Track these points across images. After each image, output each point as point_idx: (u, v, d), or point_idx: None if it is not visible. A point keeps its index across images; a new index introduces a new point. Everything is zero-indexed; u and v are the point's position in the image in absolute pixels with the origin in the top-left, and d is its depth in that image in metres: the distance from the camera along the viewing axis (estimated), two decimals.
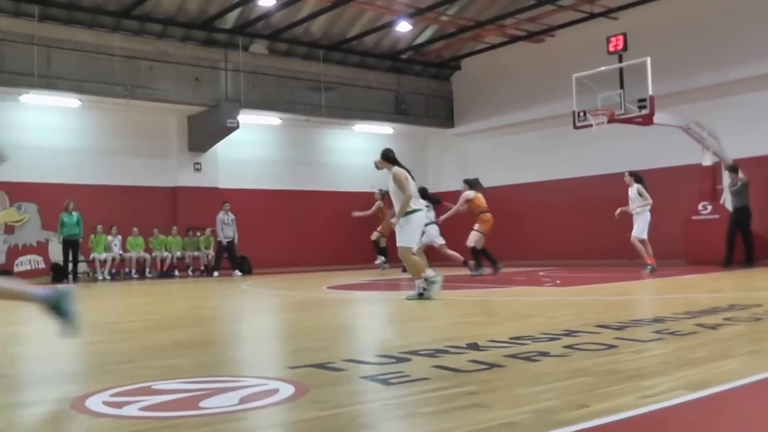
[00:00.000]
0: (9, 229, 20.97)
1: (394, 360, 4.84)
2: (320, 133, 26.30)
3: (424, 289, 9.87)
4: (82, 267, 20.87)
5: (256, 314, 10.10)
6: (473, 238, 16.13)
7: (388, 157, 10.03)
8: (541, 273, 17.26)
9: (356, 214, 21.44)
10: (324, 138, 26.53)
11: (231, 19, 22.57)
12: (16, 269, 20.73)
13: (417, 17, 23.13)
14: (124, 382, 4.35)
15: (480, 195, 16.40)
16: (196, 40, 22.93)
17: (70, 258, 19.88)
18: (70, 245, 19.83)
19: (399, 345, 5.82)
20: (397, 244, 9.98)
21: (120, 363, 5.32)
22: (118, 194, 21.85)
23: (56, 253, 20.75)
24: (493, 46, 25.93)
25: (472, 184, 16.58)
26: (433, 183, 27.42)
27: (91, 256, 20.86)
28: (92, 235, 20.73)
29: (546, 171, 24.86)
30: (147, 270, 21.70)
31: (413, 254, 10.11)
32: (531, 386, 3.93)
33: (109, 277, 20.63)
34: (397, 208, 9.92)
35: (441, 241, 15.90)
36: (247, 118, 22.89)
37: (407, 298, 10.03)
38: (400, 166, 9.97)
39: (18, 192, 20.90)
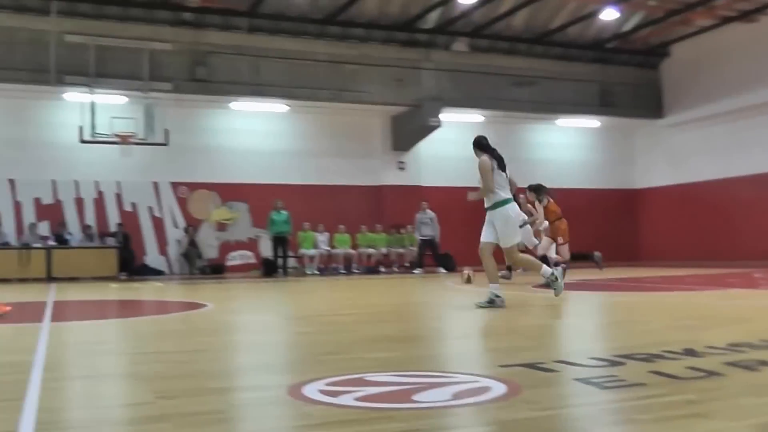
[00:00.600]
0: (221, 226, 22.24)
1: (607, 363, 4.67)
2: (523, 129, 25.99)
3: (497, 296, 9.03)
4: (291, 262, 21.71)
5: (462, 311, 10.07)
6: (545, 245, 15.33)
7: (480, 145, 9.39)
8: (757, 275, 16.23)
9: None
10: (527, 134, 26.19)
11: (432, 18, 22.76)
12: (228, 263, 21.94)
13: (624, 3, 22.38)
14: (338, 372, 4.45)
15: (552, 201, 15.46)
16: (398, 41, 23.30)
17: (280, 253, 20.74)
18: (280, 242, 20.69)
19: (611, 347, 5.65)
20: (502, 246, 9.27)
21: (333, 354, 5.47)
22: (324, 193, 22.56)
23: (266, 249, 21.73)
24: (703, 30, 24.65)
25: (538, 190, 15.46)
26: (641, 178, 26.49)
27: (300, 252, 21.70)
28: (300, 232, 21.53)
29: (764, 163, 23.30)
30: (353, 265, 22.29)
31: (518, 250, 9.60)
32: (754, 397, 3.67)
33: (317, 272, 21.35)
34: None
35: (536, 242, 15.43)
36: (449, 116, 22.99)
37: (478, 305, 9.06)
38: (492, 154, 9.27)
39: (229, 192, 22.11)
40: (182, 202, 21.91)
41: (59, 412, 3.67)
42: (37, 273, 19.07)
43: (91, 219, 21.11)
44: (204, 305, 9.91)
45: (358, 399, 3.72)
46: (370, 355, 5.37)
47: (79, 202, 21.21)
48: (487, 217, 9.19)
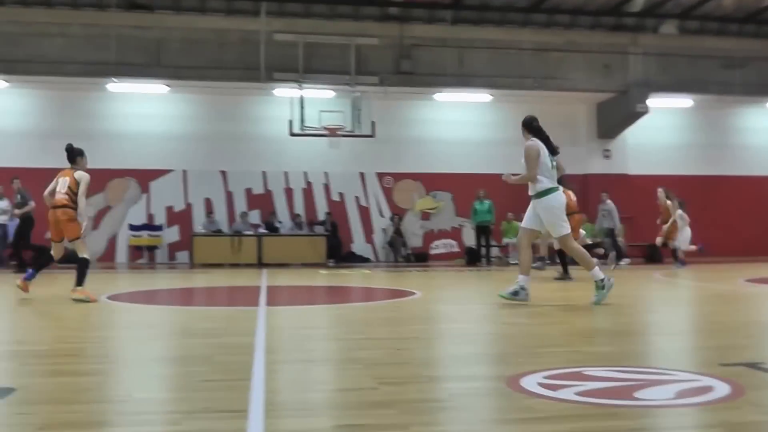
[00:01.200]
0: (425, 216, 22.52)
1: None
2: (733, 114, 24.60)
3: (523, 289, 8.42)
4: (495, 252, 21.65)
5: (673, 305, 9.69)
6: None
7: (530, 126, 8.72)
8: None
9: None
10: (737, 118, 24.74)
11: (639, 2, 21.94)
12: (431, 252, 22.19)
13: None
14: (555, 365, 4.39)
15: (570, 192, 14.29)
16: (604, 26, 22.64)
17: (483, 243, 20.73)
18: (483, 231, 20.68)
19: None
20: (554, 236, 8.81)
21: (548, 346, 5.41)
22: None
23: (469, 238, 21.79)
24: None
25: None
26: None
27: (504, 242, 21.60)
28: (504, 222, 21.42)
29: None
30: (555, 256, 21.91)
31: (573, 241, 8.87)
32: None
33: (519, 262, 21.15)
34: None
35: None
36: (656, 101, 22.12)
37: (500, 295, 8.56)
38: (542, 137, 8.66)
39: (434, 182, 22.34)
40: (388, 192, 22.37)
41: (285, 393, 3.83)
42: (248, 259, 20.07)
43: (300, 208, 21.98)
44: (412, 293, 10.06)
45: (578, 394, 3.65)
46: (586, 349, 5.27)
47: (289, 192, 22.11)
48: (530, 205, 8.73)
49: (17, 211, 16.67)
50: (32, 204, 16.46)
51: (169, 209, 21.46)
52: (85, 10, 20.25)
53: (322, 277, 14.83)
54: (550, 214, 8.51)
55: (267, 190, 21.90)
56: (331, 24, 20.83)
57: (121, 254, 21.29)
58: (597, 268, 8.52)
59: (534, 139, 8.60)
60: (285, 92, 20.34)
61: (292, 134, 19.80)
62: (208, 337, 5.91)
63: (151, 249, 21.25)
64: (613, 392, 3.71)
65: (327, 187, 22.06)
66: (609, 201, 20.36)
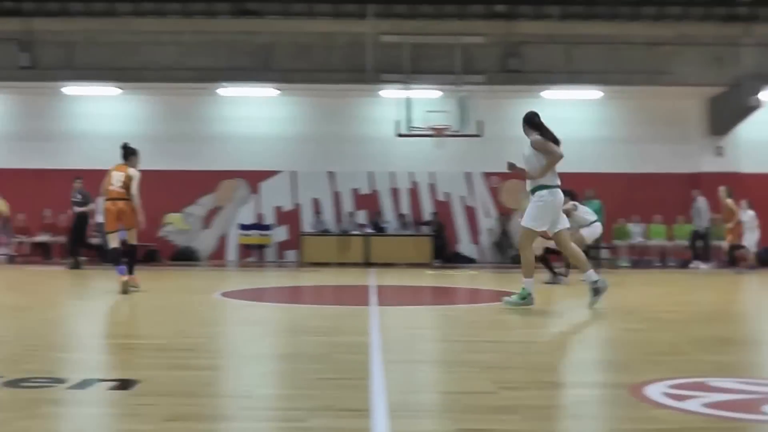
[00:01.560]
0: None
1: None
2: None
3: (529, 294, 8.09)
4: (604, 253, 21.21)
5: None
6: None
7: (532, 122, 8.37)
8: None
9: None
10: None
11: None
12: (538, 253, 21.85)
13: None
14: (677, 374, 4.26)
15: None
16: (716, 17, 21.90)
17: (592, 244, 20.29)
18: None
19: None
20: (521, 222, 8.29)
21: (668, 354, 5.25)
22: (638, 182, 21.80)
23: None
24: None
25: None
26: None
27: (614, 243, 21.16)
28: (615, 223, 21.00)
29: None
30: (667, 258, 21.38)
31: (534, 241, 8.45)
32: None
33: (629, 264, 20.73)
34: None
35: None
36: None
37: (505, 302, 8.27)
38: (544, 133, 8.30)
39: None
40: (494, 192, 22.22)
41: (406, 395, 3.82)
42: (355, 258, 20.28)
43: (406, 208, 22.06)
44: None
45: (705, 406, 3.53)
46: (708, 358, 5.09)
47: (395, 193, 22.22)
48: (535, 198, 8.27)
49: (77, 209, 17.26)
50: (92, 205, 17.25)
51: (278, 209, 21.87)
52: (196, 17, 20.85)
53: (429, 278, 14.82)
54: (534, 206, 8.22)
55: (373, 190, 22.08)
56: (437, 24, 20.82)
57: (231, 253, 21.82)
58: (592, 270, 8.20)
59: (535, 133, 8.35)
60: (392, 93, 20.46)
61: (399, 135, 19.87)
62: (323, 335, 5.98)
63: (261, 248, 21.70)
64: (741, 405, 3.58)
65: (433, 187, 22.06)
66: (700, 198, 19.78)
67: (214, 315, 7.92)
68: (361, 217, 21.88)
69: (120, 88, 21.15)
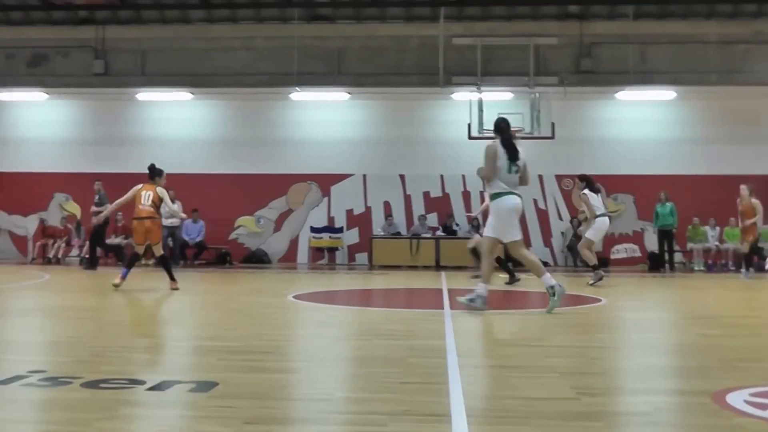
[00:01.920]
0: None
1: None
2: None
3: (480, 296, 8.14)
4: (678, 257, 20.81)
5: None
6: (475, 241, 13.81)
7: (498, 128, 8.54)
8: None
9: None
10: None
11: None
12: (612, 257, 21.55)
13: None
14: (759, 382, 4.15)
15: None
16: None
17: (666, 247, 19.95)
18: (665, 235, 19.88)
19: None
20: (504, 241, 8.41)
21: (746, 360, 5.14)
22: (714, 184, 21.31)
23: (651, 243, 21.03)
24: None
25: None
26: None
27: (688, 247, 20.73)
28: (690, 226, 20.58)
29: None
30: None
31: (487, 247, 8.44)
32: None
33: (704, 268, 20.29)
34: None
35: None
36: None
37: (459, 300, 8.34)
38: (506, 139, 8.40)
39: (614, 184, 21.68)
40: (566, 195, 21.94)
41: (484, 400, 3.80)
42: (426, 261, 20.25)
43: (477, 211, 21.91)
44: (597, 300, 9.82)
45: None
46: None
47: (466, 195, 22.12)
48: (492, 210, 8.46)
49: (95, 209, 17.56)
50: (108, 206, 17.33)
51: (349, 212, 21.97)
52: (268, 23, 21.07)
53: (501, 281, 14.71)
54: (497, 218, 8.38)
55: (444, 192, 22.02)
56: (509, 25, 20.68)
57: (303, 255, 22.00)
58: (547, 274, 8.19)
59: (496, 140, 8.48)
60: (463, 96, 20.37)
61: (471, 137, 19.79)
62: (398, 339, 5.98)
63: (332, 250, 21.83)
64: None
65: None
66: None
67: (287, 318, 7.99)
68: (432, 220, 21.84)
69: (192, 93, 21.51)
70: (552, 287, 8.08)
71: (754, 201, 16.72)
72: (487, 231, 8.48)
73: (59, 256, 20.99)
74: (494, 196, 8.43)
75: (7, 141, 22.88)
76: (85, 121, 22.70)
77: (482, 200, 21.70)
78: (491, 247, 8.50)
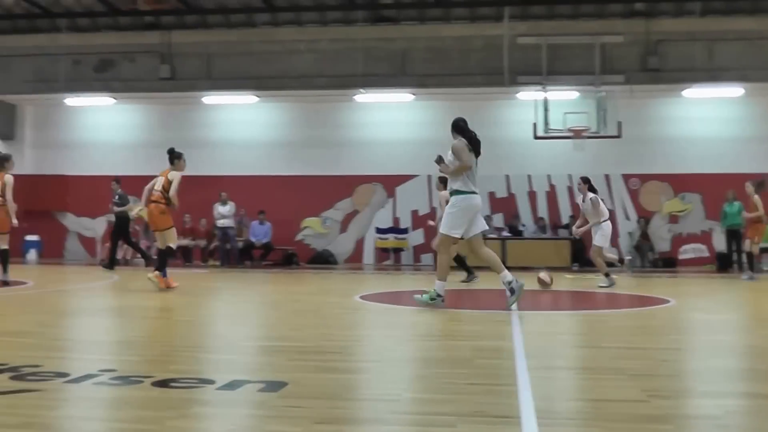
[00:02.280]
0: (673, 219, 21.56)
1: None
2: None
3: (439, 296, 8.40)
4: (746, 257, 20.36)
5: None
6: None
7: (457, 126, 8.85)
8: None
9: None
10: None
11: None
12: (680, 257, 21.20)
13: None
14: None
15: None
16: None
17: (734, 247, 19.52)
18: (733, 235, 19.42)
19: None
20: (440, 230, 8.65)
21: None
22: None
23: (720, 243, 20.60)
24: None
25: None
26: None
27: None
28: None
29: None
30: None
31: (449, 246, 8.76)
32: None
33: None
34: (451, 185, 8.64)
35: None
36: None
37: (416, 299, 8.56)
38: (469, 138, 8.73)
39: (682, 183, 21.34)
40: (634, 195, 21.62)
41: (553, 402, 3.78)
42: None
43: (543, 211, 21.78)
44: (665, 300, 9.67)
45: None
46: None
47: (532, 195, 21.96)
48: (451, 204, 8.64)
49: (116, 209, 17.84)
50: (130, 205, 17.80)
51: (414, 213, 21.97)
52: (333, 26, 21.24)
53: (568, 282, 14.58)
54: (448, 213, 8.58)
55: (510, 193, 21.91)
56: (574, 24, 20.50)
57: (368, 256, 22.09)
58: (506, 271, 8.44)
59: (461, 138, 8.73)
60: (528, 95, 20.27)
61: (537, 137, 19.66)
62: (464, 340, 5.98)
63: (397, 251, 21.88)
64: None
65: (570, 190, 21.66)
66: None
67: (354, 318, 8.04)
68: (498, 220, 21.73)
69: (257, 96, 21.75)
70: (509, 283, 8.31)
71: (756, 198, 16.33)
72: (444, 228, 8.62)
73: (127, 257, 21.41)
74: (457, 193, 8.60)
75: (75, 145, 23.47)
76: (152, 125, 23.14)
77: (551, 201, 21.69)
78: (449, 245, 8.78)
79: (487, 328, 6.87)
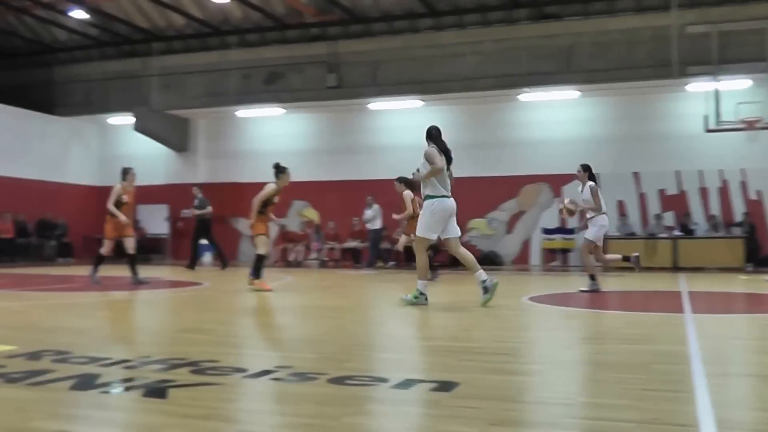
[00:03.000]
0: None
1: None
2: None
3: (422, 294, 8.91)
4: None
5: None
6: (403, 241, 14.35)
7: (429, 134, 9.18)
8: None
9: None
10: None
11: None
12: None
13: None
14: None
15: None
16: None
17: None
18: None
19: None
20: (417, 232, 9.09)
21: None
22: None
23: None
24: None
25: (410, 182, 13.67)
26: None
27: None
28: None
29: None
30: None
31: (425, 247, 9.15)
32: None
33: None
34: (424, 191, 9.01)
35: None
36: None
37: (403, 300, 8.97)
38: (439, 146, 9.03)
39: None
40: None
41: (734, 410, 3.65)
42: (662, 262, 19.49)
43: (715, 208, 20.86)
44: None
45: None
46: None
47: (704, 192, 21.07)
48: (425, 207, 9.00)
49: (196, 212, 18.53)
50: (209, 209, 18.60)
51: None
52: (496, 26, 21.20)
53: (743, 283, 13.95)
54: (423, 215, 9.02)
55: (681, 190, 21.16)
56: (746, 8, 19.60)
57: (535, 257, 21.89)
58: (481, 270, 8.82)
59: (433, 145, 9.04)
60: (699, 86, 19.56)
61: (708, 130, 18.93)
62: (638, 343, 5.84)
63: (564, 252, 21.56)
64: None
65: (744, 185, 20.69)
66: None
67: (523, 320, 8.01)
68: (669, 218, 21.02)
69: (422, 100, 21.97)
70: (483, 281, 8.72)
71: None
72: (419, 231, 9.07)
73: (299, 259, 22.12)
74: (430, 197, 8.97)
75: (246, 154, 24.48)
76: (320, 132, 23.84)
77: (724, 197, 20.76)
78: (425, 246, 9.21)
79: (660, 332, 6.69)
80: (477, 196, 21.68)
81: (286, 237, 22.86)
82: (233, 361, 4.81)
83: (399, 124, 22.89)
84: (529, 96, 21.21)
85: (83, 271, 14.19)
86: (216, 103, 23.51)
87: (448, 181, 9.07)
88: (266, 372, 4.40)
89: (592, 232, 11.60)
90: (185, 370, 4.41)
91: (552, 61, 20.57)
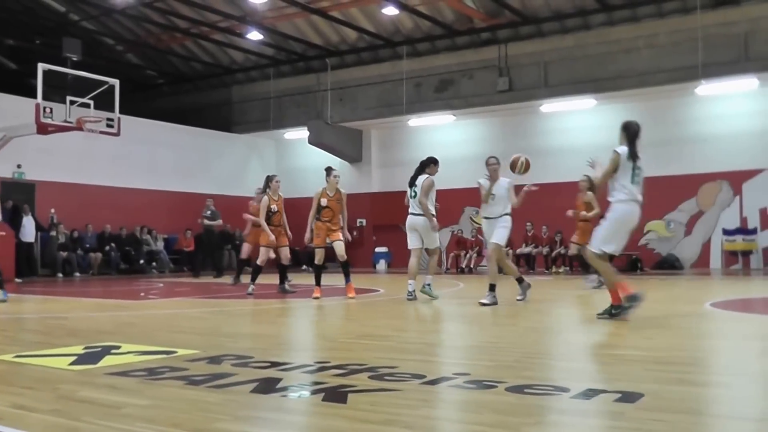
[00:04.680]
0: None
1: None
2: None
3: (410, 292, 10.79)
4: None
5: None
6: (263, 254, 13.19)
7: (428, 164, 11.84)
8: None
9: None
10: None
11: None
12: None
13: None
14: None
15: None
16: None
17: None
18: None
19: None
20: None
21: None
22: None
23: None
24: None
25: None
26: None
27: None
28: None
29: None
30: None
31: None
32: None
33: None
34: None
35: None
36: None
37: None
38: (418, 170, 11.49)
39: None
40: None
41: None
42: None
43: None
44: None
45: None
46: None
47: None
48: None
49: (206, 222, 19.09)
50: (219, 221, 19.32)
51: (763, 211, 20.43)
52: (670, 17, 20.46)
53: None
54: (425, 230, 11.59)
55: None
56: None
57: (715, 259, 20.93)
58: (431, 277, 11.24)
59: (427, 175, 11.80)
60: None
61: None
62: None
63: (746, 254, 20.47)
64: None
65: None
66: None
67: (707, 327, 7.68)
68: None
69: (595, 99, 21.49)
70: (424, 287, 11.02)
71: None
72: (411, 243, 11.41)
73: (471, 265, 22.11)
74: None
75: (416, 162, 24.58)
76: (491, 137, 23.73)
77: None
78: (419, 255, 11.47)
79: None
80: (654, 196, 20.85)
81: (458, 244, 22.90)
82: (411, 367, 4.84)
83: (570, 126, 22.51)
84: (705, 89, 20.32)
85: (263, 280, 14.65)
86: (388, 114, 23.92)
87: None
88: (444, 378, 4.42)
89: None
90: (363, 376, 4.49)
91: (729, 51, 19.63)
